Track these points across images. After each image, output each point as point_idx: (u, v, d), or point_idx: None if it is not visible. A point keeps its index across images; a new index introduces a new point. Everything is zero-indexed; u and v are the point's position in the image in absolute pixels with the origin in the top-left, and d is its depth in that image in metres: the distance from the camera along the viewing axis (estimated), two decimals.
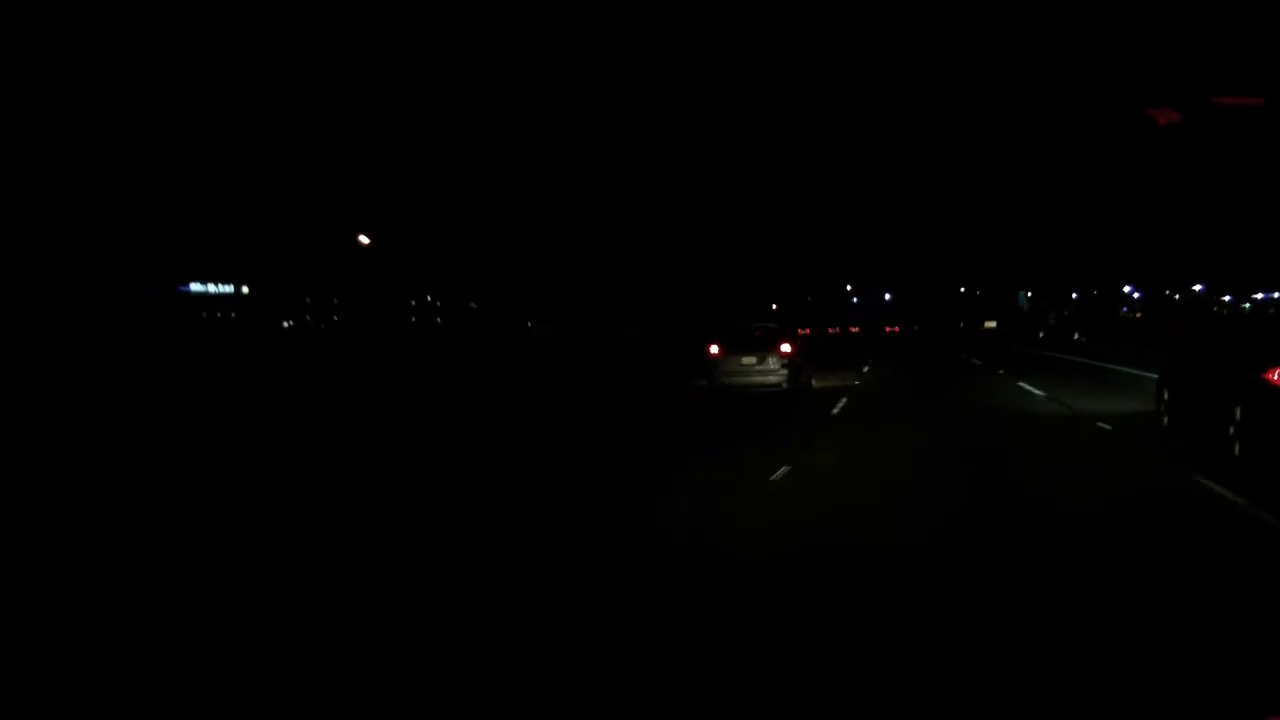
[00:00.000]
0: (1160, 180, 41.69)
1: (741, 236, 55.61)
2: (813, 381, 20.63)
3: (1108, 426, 12.53)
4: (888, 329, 73.72)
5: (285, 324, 45.19)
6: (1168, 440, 11.24)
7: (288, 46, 36.04)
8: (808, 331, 25.62)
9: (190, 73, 33.19)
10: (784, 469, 9.32)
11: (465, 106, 41.50)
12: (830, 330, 64.43)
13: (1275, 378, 8.97)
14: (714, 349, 18.95)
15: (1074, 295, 69.21)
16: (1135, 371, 20.56)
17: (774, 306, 75.10)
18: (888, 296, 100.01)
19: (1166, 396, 12.04)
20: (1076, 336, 46.56)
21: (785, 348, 18.60)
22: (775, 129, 56.32)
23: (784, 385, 18.33)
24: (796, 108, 55.32)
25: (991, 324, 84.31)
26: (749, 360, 18.64)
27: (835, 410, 15.80)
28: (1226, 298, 57.15)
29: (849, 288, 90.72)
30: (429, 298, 56.20)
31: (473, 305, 56.47)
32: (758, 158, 53.49)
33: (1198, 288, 57.58)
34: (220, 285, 41.54)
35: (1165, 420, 11.91)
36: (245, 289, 40.97)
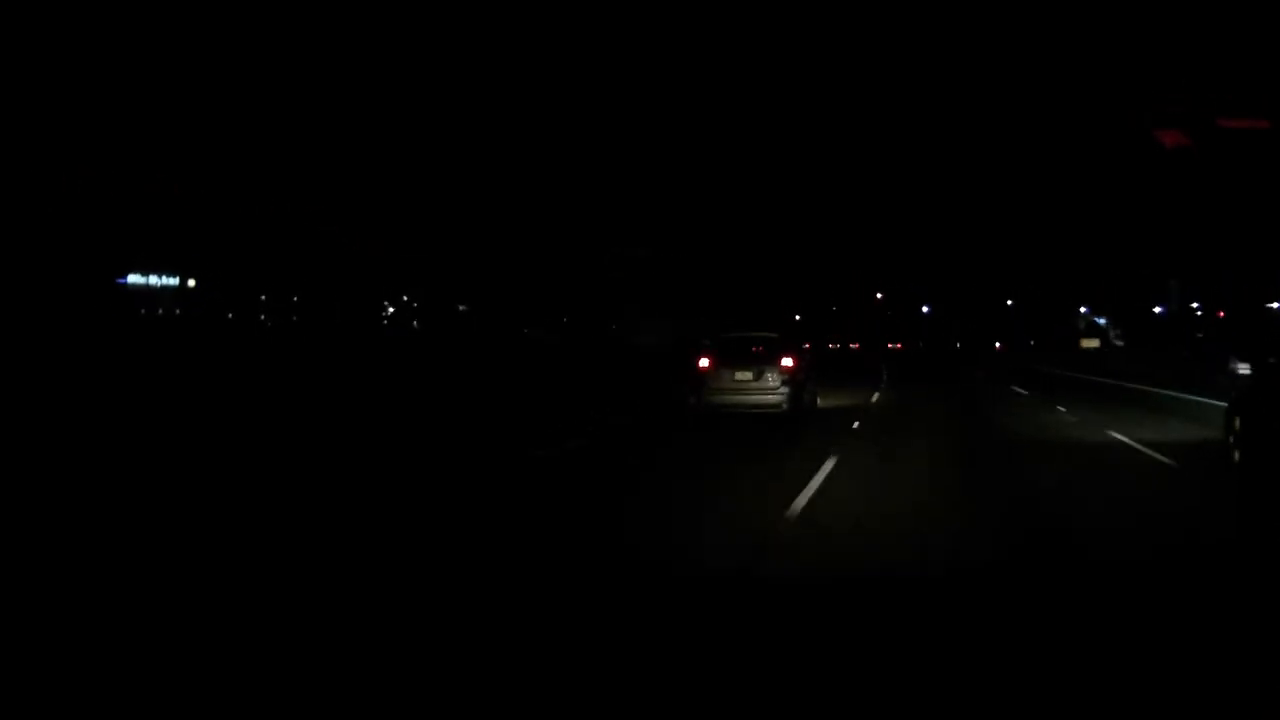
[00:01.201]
0: (1235, 192, 40.42)
1: (754, 242, 55.29)
2: (817, 401, 19.24)
3: None
4: (890, 345, 71.98)
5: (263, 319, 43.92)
6: (1237, 479, 10.46)
7: (278, 33, 35.32)
8: (808, 346, 24.18)
9: (160, 51, 32.35)
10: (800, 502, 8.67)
11: (464, 105, 41.18)
12: (831, 345, 63.02)
13: None
14: (704, 362, 17.70)
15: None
16: None
17: (796, 318, 73.96)
18: (926, 309, 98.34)
19: (1238, 426, 11.27)
20: None
21: (787, 362, 17.36)
22: (795, 131, 55.85)
23: (784, 406, 17.11)
24: (822, 105, 54.65)
25: (1093, 343, 74.11)
26: (744, 376, 17.45)
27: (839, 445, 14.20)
28: None
29: (879, 295, 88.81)
30: (406, 298, 55.29)
31: (461, 308, 55.78)
32: (774, 161, 53.12)
33: (1276, 305, 55.91)
34: (164, 277, 40.43)
35: (1236, 455, 11.19)
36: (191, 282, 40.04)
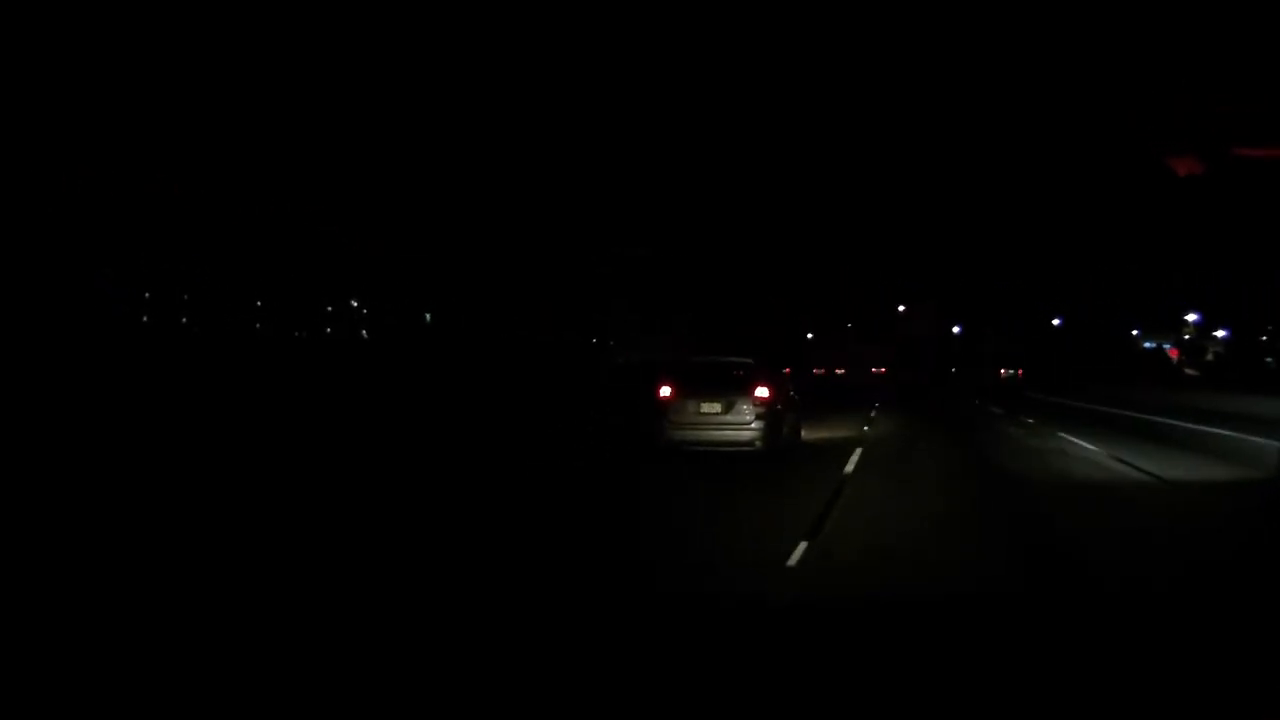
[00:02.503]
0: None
1: (764, 255, 54.81)
2: (801, 434, 18.35)
3: None
4: (874, 370, 69.88)
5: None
6: None
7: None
8: (789, 371, 23.09)
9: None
10: None
11: (458, 102, 40.30)
12: (816, 371, 61.22)
13: None
14: (665, 391, 16.64)
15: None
16: None
17: (809, 335, 72.52)
18: (956, 329, 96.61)
19: None
20: None
21: (761, 391, 16.16)
22: (808, 143, 55.01)
23: (757, 443, 16.00)
24: (829, 111, 53.59)
25: None
26: (711, 407, 16.34)
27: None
28: None
29: (901, 309, 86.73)
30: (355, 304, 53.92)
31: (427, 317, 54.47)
32: (783, 175, 52.43)
33: None
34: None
35: None
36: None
